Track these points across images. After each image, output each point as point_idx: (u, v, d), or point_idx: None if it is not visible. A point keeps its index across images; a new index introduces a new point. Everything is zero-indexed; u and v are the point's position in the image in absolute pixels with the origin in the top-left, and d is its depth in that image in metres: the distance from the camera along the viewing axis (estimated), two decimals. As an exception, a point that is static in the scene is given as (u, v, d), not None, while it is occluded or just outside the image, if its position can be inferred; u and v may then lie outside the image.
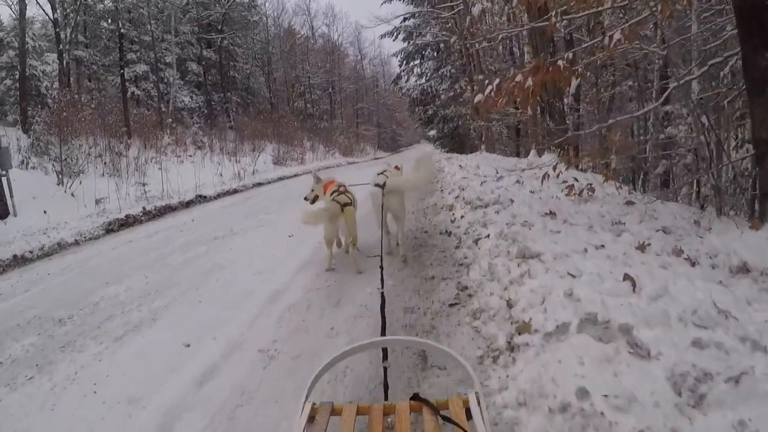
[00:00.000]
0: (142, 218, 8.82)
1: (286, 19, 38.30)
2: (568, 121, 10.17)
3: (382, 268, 3.20)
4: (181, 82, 24.39)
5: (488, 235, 4.44)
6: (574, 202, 5.19)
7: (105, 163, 11.88)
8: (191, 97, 24.47)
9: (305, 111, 36.70)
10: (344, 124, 40.52)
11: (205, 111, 24.97)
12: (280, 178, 15.64)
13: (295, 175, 16.87)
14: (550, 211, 4.65)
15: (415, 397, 1.65)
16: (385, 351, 2.16)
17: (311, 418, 1.56)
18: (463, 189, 7.41)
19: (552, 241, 3.71)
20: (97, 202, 9.41)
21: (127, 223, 8.41)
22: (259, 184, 14.06)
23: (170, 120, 20.70)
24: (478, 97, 3.77)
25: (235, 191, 12.43)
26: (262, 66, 33.09)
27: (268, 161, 18.16)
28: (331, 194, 4.75)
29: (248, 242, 6.45)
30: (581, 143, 8.40)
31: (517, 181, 6.92)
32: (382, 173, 5.02)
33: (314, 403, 1.63)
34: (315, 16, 42.07)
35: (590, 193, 5.13)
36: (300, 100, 37.51)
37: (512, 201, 5.35)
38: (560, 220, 4.41)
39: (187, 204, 10.38)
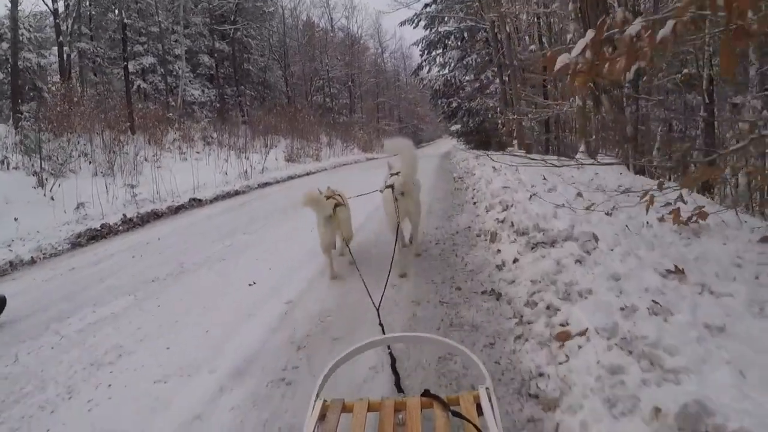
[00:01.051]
0: (120, 228, 7.53)
1: (303, 10, 37.10)
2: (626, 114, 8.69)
3: (378, 309, 2.98)
4: (192, 75, 23.31)
5: (584, 333, 2.32)
6: (676, 232, 3.57)
7: (90, 162, 10.70)
8: (203, 91, 23.37)
9: (324, 105, 35.44)
10: (364, 119, 39.15)
11: (217, 105, 23.80)
12: (290, 177, 14.27)
13: (307, 174, 15.56)
14: (676, 269, 2.80)
15: (426, 393, 1.61)
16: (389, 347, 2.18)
17: (322, 416, 1.54)
18: (507, 207, 5.30)
19: (722, 360, 1.89)
20: (78, 207, 8.18)
21: (100, 234, 7.11)
22: (266, 185, 12.75)
23: (177, 115, 19.63)
24: (563, 59, 2.27)
25: (237, 193, 11.11)
26: (279, 59, 31.91)
27: (281, 158, 16.82)
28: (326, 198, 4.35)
29: (186, 294, 4.24)
30: (646, 140, 6.83)
31: (579, 194, 5.29)
32: (396, 173, 4.55)
33: (325, 401, 1.60)
34: (334, 7, 40.67)
35: (699, 221, 3.54)
36: (319, 94, 36.29)
37: (596, 239, 3.50)
38: (695, 283, 2.64)
39: (177, 210, 9.08)
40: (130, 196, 9.20)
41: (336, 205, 4.30)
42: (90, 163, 10.71)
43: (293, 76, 33.70)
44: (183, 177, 10.76)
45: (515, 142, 15.56)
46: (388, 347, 2.21)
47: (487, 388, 1.57)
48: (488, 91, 22.55)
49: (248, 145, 17.58)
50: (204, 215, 8.55)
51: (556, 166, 6.41)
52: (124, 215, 7.99)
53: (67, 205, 8.16)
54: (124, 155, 11.71)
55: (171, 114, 19.71)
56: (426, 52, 26.30)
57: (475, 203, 7.38)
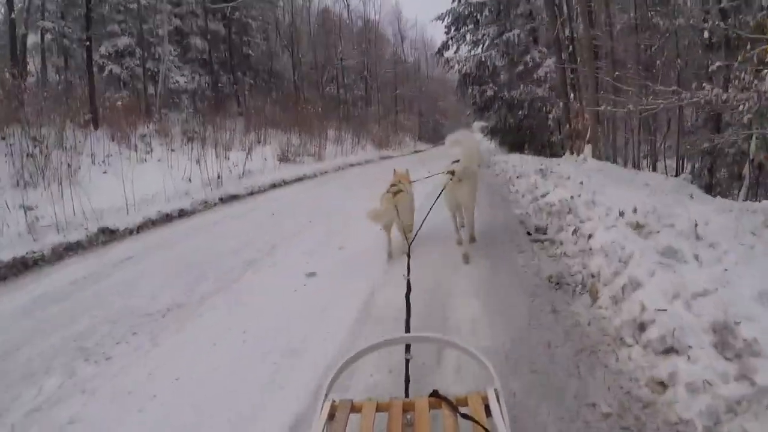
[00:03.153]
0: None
1: (315, -9, 33.71)
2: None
3: (409, 256, 3.20)
4: (180, 60, 20.10)
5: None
6: None
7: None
8: (193, 78, 20.13)
9: (338, 97, 32.13)
10: (381, 113, 35.69)
11: (210, 94, 20.57)
12: (273, 186, 10.92)
13: (299, 179, 12.29)
14: None
15: (434, 393, 1.62)
16: (408, 344, 2.04)
17: (331, 416, 1.55)
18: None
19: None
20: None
21: None
22: (233, 198, 9.45)
23: (157, 105, 16.50)
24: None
25: (182, 213, 7.81)
26: (288, 45, 28.65)
27: (272, 157, 13.48)
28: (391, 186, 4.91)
29: None
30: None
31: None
32: (456, 161, 4.83)
33: (334, 401, 1.61)
34: (350, -9, 37.04)
35: None
36: (332, 85, 32.96)
37: None
38: None
39: (67, 250, 5.68)
40: (32, 220, 6.01)
41: (397, 192, 4.76)
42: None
43: (302, 64, 30.49)
44: (136, 185, 7.57)
45: (587, 147, 11.70)
46: (406, 351, 2.05)
47: (495, 390, 1.57)
48: (535, 76, 18.34)
49: (237, 141, 14.37)
50: (94, 266, 5.18)
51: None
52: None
53: None
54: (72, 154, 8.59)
55: (149, 104, 16.73)
56: (452, 27, 21.76)
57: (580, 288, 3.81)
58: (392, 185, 4.96)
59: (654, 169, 11.05)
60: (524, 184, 8.86)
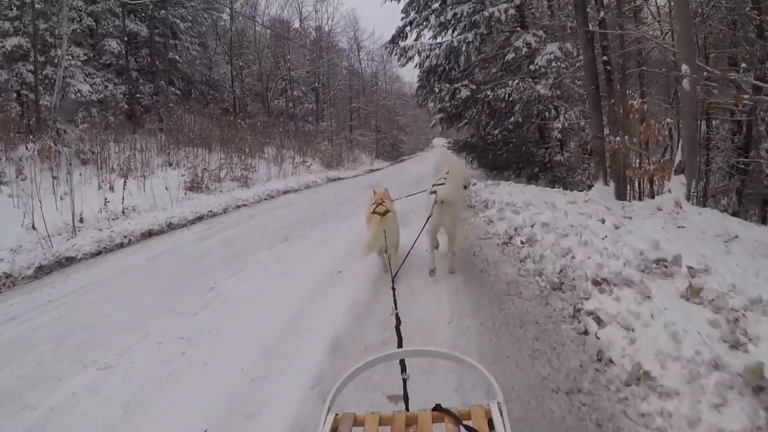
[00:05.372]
0: None
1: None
2: None
3: (394, 288, 3.11)
4: (87, 66, 16.96)
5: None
6: None
7: None
8: (106, 86, 17.02)
9: (287, 110, 29.29)
10: (334, 128, 32.98)
11: (124, 106, 17.45)
12: (151, 233, 7.75)
13: (199, 218, 9.13)
14: None
15: (437, 407, 1.57)
16: (403, 363, 1.96)
17: (334, 429, 1.51)
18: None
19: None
20: None
21: None
22: (63, 264, 6.16)
23: (51, 119, 13.46)
24: None
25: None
26: (228, 52, 25.77)
27: (177, 186, 10.55)
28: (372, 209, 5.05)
29: None
30: None
31: None
32: (441, 184, 4.90)
33: (336, 414, 1.57)
34: (301, -3, 34.31)
35: None
36: (280, 98, 30.14)
37: None
38: None
39: None
40: None
41: (385, 212, 4.88)
42: None
43: (246, 74, 27.64)
44: None
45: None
46: (402, 370, 1.97)
47: (498, 403, 1.53)
48: (532, 68, 13.71)
49: (146, 164, 11.45)
50: None
51: None
52: None
53: None
54: None
55: (42, 118, 13.66)
56: (412, 9, 17.06)
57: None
58: (378, 204, 5.05)
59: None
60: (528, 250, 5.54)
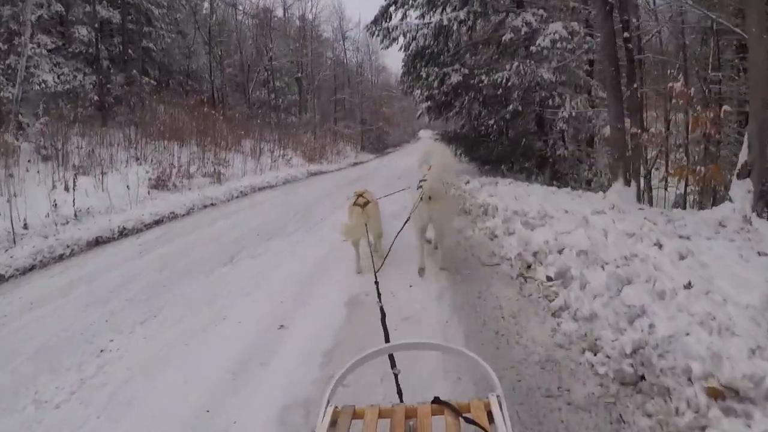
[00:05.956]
0: None
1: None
2: None
3: (377, 282, 3.05)
4: (54, 55, 16.12)
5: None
6: None
7: None
8: (74, 76, 16.21)
9: (269, 102, 28.48)
10: (317, 120, 32.20)
11: (95, 97, 16.62)
12: (95, 242, 6.80)
13: (157, 222, 8.26)
14: None
15: (436, 400, 1.56)
16: (392, 358, 1.92)
17: (333, 422, 1.50)
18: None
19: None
20: None
21: None
22: None
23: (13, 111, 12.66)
24: None
25: None
26: (207, 41, 24.91)
27: (141, 183, 9.86)
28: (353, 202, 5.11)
29: None
30: None
31: None
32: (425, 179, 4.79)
33: (336, 407, 1.56)
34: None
35: None
36: (262, 89, 29.31)
37: None
38: None
39: None
40: None
41: (366, 203, 4.93)
42: None
43: (227, 65, 26.79)
44: None
45: (644, 171, 7.15)
46: (393, 365, 1.93)
47: (497, 396, 1.53)
48: (533, 50, 11.81)
49: (112, 159, 10.72)
50: None
51: None
52: None
53: None
54: None
55: (3, 111, 12.88)
56: None
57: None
58: (359, 196, 5.11)
59: None
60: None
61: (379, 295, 2.77)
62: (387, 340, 2.19)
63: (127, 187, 9.06)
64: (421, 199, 4.57)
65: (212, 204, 10.14)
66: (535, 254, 4.74)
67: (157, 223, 8.24)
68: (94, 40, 17.15)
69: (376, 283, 3.02)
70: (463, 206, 8.42)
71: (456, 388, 2.87)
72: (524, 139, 13.83)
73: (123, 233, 7.38)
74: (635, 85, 8.38)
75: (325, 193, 12.10)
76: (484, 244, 6.00)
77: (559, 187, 10.15)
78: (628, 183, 7.93)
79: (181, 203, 9.35)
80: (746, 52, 6.92)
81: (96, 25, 17.30)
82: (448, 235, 5.34)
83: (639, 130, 7.96)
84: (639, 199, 8.34)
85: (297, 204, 10.49)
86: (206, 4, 25.93)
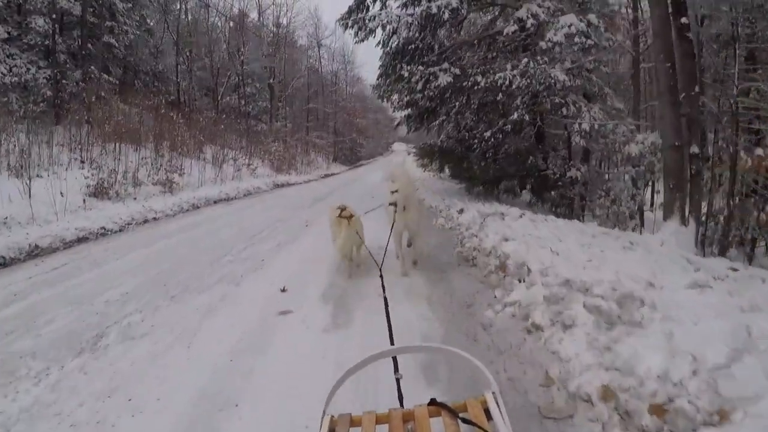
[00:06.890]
0: None
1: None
2: None
3: (381, 276, 3.35)
4: (7, 46, 15.07)
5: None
6: None
7: None
8: (28, 69, 15.16)
9: (239, 108, 27.55)
10: (289, 128, 31.37)
11: (48, 93, 15.54)
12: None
13: (82, 240, 7.10)
14: None
15: (433, 402, 1.56)
16: (395, 361, 1.92)
17: (331, 431, 1.48)
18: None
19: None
20: None
21: None
22: None
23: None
24: None
25: None
26: (175, 42, 23.99)
27: (78, 190, 8.96)
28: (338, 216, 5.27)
29: None
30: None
31: None
32: (395, 191, 5.10)
33: (333, 416, 1.54)
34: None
35: None
36: (233, 94, 28.38)
37: None
38: None
39: None
40: None
41: (350, 216, 5.19)
42: None
43: (196, 67, 25.83)
44: None
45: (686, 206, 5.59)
46: (395, 370, 1.91)
47: (493, 393, 1.53)
48: (543, 46, 9.41)
49: (40, 161, 9.78)
50: None
51: None
52: None
53: None
54: None
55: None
56: None
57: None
58: (342, 209, 5.29)
59: None
60: None
61: (383, 287, 3.06)
62: (391, 340, 2.23)
63: (61, 194, 8.14)
64: (396, 211, 5.03)
65: (154, 218, 9.04)
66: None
67: (83, 240, 7.10)
68: (51, 31, 16.11)
69: (381, 277, 3.40)
70: (461, 250, 6.29)
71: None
72: (530, 157, 11.44)
73: (32, 253, 6.13)
74: (696, 89, 6.40)
75: (285, 213, 10.77)
76: (516, 334, 3.54)
77: (567, 218, 8.48)
78: (684, 222, 6.17)
79: (118, 216, 8.27)
80: None
81: (54, 16, 16.25)
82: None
83: (700, 151, 6.16)
84: (700, 243, 6.34)
85: (248, 226, 8.79)
86: (178, 4, 25.08)
